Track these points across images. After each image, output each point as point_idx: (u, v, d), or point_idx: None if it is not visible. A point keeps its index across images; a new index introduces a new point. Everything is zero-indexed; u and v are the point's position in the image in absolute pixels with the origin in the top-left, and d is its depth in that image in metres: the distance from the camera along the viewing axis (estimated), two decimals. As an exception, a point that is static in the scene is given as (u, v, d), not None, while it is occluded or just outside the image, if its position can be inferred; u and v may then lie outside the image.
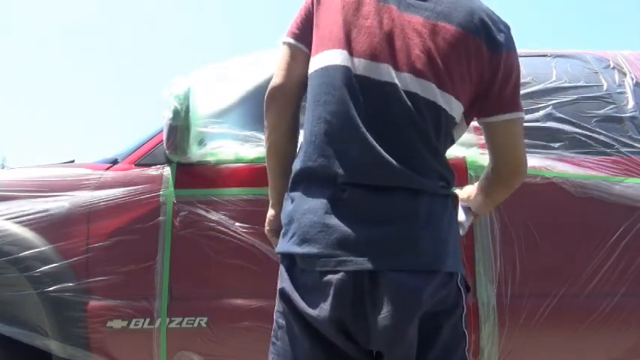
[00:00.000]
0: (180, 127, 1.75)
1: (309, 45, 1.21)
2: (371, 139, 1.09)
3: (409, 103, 1.09)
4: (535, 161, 1.80)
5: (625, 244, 1.75)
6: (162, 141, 1.81)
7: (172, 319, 1.71)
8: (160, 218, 1.76)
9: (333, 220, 1.08)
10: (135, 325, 1.71)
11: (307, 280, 1.10)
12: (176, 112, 1.75)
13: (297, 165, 1.17)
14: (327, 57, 1.15)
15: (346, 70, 1.12)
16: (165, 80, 1.85)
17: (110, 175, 1.83)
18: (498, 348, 1.72)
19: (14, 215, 1.75)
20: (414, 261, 1.06)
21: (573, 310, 1.73)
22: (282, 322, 1.14)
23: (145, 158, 1.87)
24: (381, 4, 1.15)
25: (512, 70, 1.19)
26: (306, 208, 1.11)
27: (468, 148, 1.83)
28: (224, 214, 1.74)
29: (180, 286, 1.75)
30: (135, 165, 1.86)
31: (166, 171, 1.82)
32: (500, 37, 1.16)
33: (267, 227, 1.33)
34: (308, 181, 1.14)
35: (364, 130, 1.09)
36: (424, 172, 1.10)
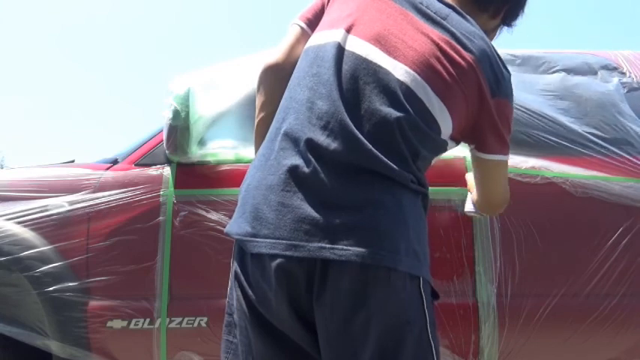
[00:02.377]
0: (180, 127, 1.76)
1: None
2: (349, 117, 1.04)
3: (403, 97, 1.07)
4: (535, 161, 1.81)
5: (625, 244, 1.75)
6: (162, 141, 1.82)
7: (172, 319, 1.71)
8: (160, 218, 1.76)
9: (291, 199, 1.01)
10: (135, 325, 1.71)
11: (258, 265, 1.04)
12: (176, 113, 1.75)
13: (271, 130, 1.12)
14: (329, 34, 1.15)
15: (343, 49, 1.11)
16: (168, 79, 1.85)
17: (110, 175, 1.83)
18: (498, 348, 1.72)
19: (14, 215, 1.75)
20: (371, 254, 0.98)
21: (573, 310, 1.73)
22: (235, 317, 1.10)
23: (144, 158, 1.87)
24: (397, 5, 1.16)
25: (506, 117, 1.19)
26: (262, 183, 1.05)
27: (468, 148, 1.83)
28: (224, 214, 1.74)
29: (180, 286, 1.75)
30: (135, 165, 1.86)
31: (166, 171, 1.82)
32: (501, 83, 1.16)
33: None
34: (274, 148, 1.07)
35: (345, 107, 1.05)
36: (398, 163, 1.05)
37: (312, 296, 1.01)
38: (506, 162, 1.25)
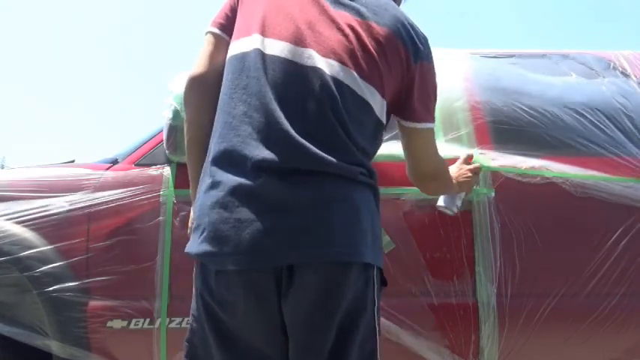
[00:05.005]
0: (180, 127, 1.75)
1: (232, 35, 1.20)
2: (287, 122, 1.05)
3: (334, 89, 1.08)
4: (535, 161, 1.81)
5: (625, 244, 1.75)
6: (162, 141, 1.82)
7: (172, 319, 1.71)
8: (160, 218, 1.76)
9: (245, 214, 1.03)
10: (135, 325, 1.71)
11: (222, 282, 1.06)
12: (176, 112, 1.75)
13: (211, 149, 1.12)
14: (247, 41, 1.14)
15: (265, 54, 1.11)
16: (168, 79, 1.84)
17: (110, 175, 1.83)
18: (498, 348, 1.72)
19: (14, 215, 1.75)
20: (331, 253, 1.03)
21: (573, 310, 1.73)
22: (197, 326, 1.12)
23: (145, 158, 1.87)
24: None
25: (429, 81, 1.22)
26: (215, 201, 1.06)
27: (468, 148, 1.84)
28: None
29: (180, 286, 1.74)
30: (135, 165, 1.86)
31: (166, 171, 1.82)
32: (421, 48, 1.18)
33: (189, 226, 1.26)
34: (222, 166, 1.08)
35: (281, 113, 1.06)
36: (343, 158, 1.06)
37: (278, 303, 1.05)
38: (433, 130, 1.27)
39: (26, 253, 1.71)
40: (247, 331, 1.08)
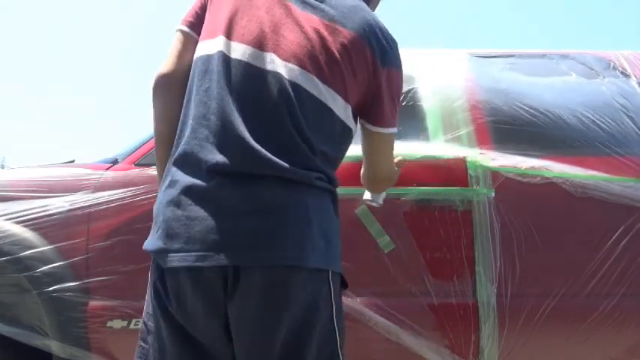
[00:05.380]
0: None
1: (200, 34, 1.21)
2: (243, 126, 1.06)
3: (292, 94, 1.08)
4: (535, 161, 1.81)
5: (625, 244, 1.75)
6: (162, 141, 1.81)
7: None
8: (160, 218, 1.76)
9: (197, 212, 1.05)
10: (135, 325, 1.71)
11: (173, 278, 1.08)
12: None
13: (174, 150, 1.14)
14: (212, 43, 1.15)
15: (228, 57, 1.11)
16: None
17: (110, 175, 1.83)
18: (498, 348, 1.72)
19: (14, 215, 1.75)
20: (278, 256, 1.03)
21: (573, 310, 1.73)
22: (151, 325, 1.13)
23: (145, 158, 1.87)
24: None
25: (396, 86, 1.21)
26: (170, 199, 1.09)
27: (468, 148, 1.84)
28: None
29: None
30: (135, 165, 1.86)
31: (166, 171, 1.82)
32: (389, 52, 1.18)
33: None
34: (180, 167, 1.10)
35: (238, 116, 1.07)
36: (298, 164, 1.07)
37: (224, 302, 1.05)
38: (394, 135, 1.28)
39: (26, 253, 1.71)
40: (199, 331, 1.09)
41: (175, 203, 1.07)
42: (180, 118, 1.15)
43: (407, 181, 1.76)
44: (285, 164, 1.05)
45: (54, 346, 1.72)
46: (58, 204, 1.77)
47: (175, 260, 1.05)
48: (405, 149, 1.81)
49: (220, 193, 1.05)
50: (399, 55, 1.21)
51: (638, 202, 1.78)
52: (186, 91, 1.16)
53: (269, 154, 1.05)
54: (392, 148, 1.31)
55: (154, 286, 1.13)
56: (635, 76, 2.08)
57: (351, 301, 1.68)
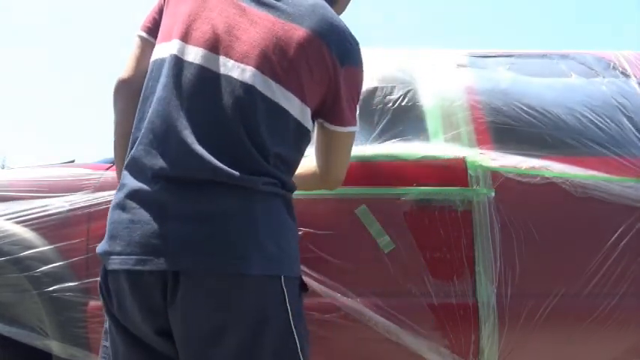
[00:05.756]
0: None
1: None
2: (188, 130, 1.05)
3: (244, 96, 1.07)
4: (535, 161, 1.81)
5: (625, 244, 1.74)
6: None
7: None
8: (160, 218, 1.75)
9: (140, 216, 1.05)
10: (135, 325, 1.71)
11: (114, 281, 1.08)
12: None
13: (127, 153, 1.15)
14: (166, 47, 1.14)
15: (180, 60, 1.11)
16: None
17: (110, 175, 1.83)
18: (498, 348, 1.72)
19: (14, 215, 1.75)
20: (217, 262, 1.02)
21: (573, 310, 1.73)
22: (105, 324, 1.15)
23: (145, 158, 1.87)
24: (235, 0, 1.15)
25: (356, 85, 1.20)
26: (117, 203, 1.10)
27: (468, 148, 1.84)
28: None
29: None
30: (135, 165, 1.86)
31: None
32: (349, 51, 1.16)
33: None
34: (130, 171, 1.11)
35: (184, 121, 1.06)
36: (245, 168, 1.05)
37: (164, 308, 1.05)
38: (354, 133, 1.27)
39: (26, 253, 1.71)
40: (141, 333, 1.08)
41: (121, 206, 1.08)
42: (134, 123, 1.15)
43: (407, 181, 1.76)
44: (230, 169, 1.04)
45: (54, 346, 1.72)
46: (58, 204, 1.77)
47: (116, 263, 1.06)
48: (405, 149, 1.81)
49: (163, 198, 1.05)
50: (359, 54, 1.20)
51: (638, 202, 1.78)
52: (140, 96, 1.17)
53: (213, 159, 1.03)
54: (349, 149, 1.29)
55: (99, 287, 1.14)
56: (635, 76, 2.08)
57: (351, 301, 1.68)
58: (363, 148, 1.80)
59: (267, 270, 1.06)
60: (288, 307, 1.08)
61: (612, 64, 2.14)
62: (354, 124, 1.25)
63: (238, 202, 1.05)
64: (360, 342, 1.70)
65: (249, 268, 1.03)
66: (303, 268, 1.67)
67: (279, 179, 1.11)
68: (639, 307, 1.75)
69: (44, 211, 1.76)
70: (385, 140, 1.85)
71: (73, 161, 2.14)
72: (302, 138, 1.17)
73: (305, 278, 1.65)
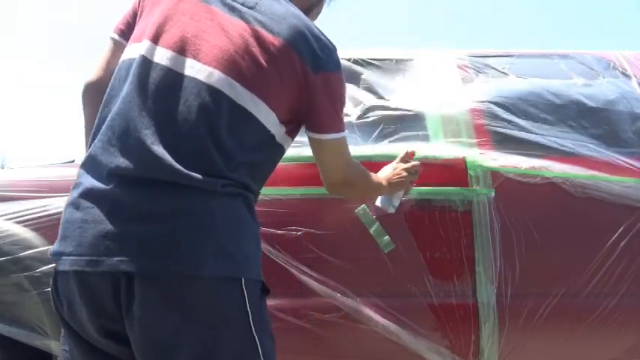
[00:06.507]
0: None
1: None
2: (149, 130, 1.04)
3: (208, 99, 1.06)
4: (535, 161, 1.81)
5: (625, 244, 1.75)
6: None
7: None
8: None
9: (93, 215, 1.02)
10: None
11: (64, 282, 1.06)
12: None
13: (86, 148, 1.13)
14: (136, 47, 1.14)
15: (148, 61, 1.10)
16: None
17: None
18: (498, 348, 1.72)
19: (14, 215, 1.75)
20: (171, 264, 0.99)
21: (573, 310, 1.74)
22: (61, 328, 1.12)
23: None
24: (202, 4, 1.15)
25: (334, 91, 1.18)
26: (70, 202, 1.07)
27: (468, 148, 1.84)
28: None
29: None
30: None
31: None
32: (322, 58, 1.15)
33: None
34: (86, 169, 1.09)
35: (147, 120, 1.05)
36: (204, 170, 1.03)
37: (120, 309, 1.01)
38: (344, 138, 1.24)
39: (26, 253, 1.71)
40: (87, 335, 1.06)
41: (75, 205, 1.05)
42: (95, 123, 1.13)
43: (407, 181, 1.76)
44: (189, 171, 1.02)
45: (54, 346, 1.72)
46: (58, 204, 1.76)
47: (67, 264, 1.03)
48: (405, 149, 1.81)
49: (117, 198, 1.02)
50: (335, 59, 1.19)
51: (638, 202, 1.78)
52: (104, 97, 1.14)
53: (172, 160, 1.01)
54: (342, 154, 1.27)
55: (51, 290, 1.11)
56: (635, 76, 2.08)
57: (351, 301, 1.68)
58: (363, 148, 1.80)
59: (226, 272, 1.03)
60: (249, 311, 1.04)
61: (612, 64, 2.14)
62: (337, 131, 1.22)
63: (194, 203, 1.02)
64: (360, 342, 1.70)
65: (205, 270, 1.00)
66: (303, 268, 1.68)
67: (241, 182, 1.09)
68: (639, 307, 1.75)
69: (44, 211, 1.75)
70: (384, 141, 1.86)
71: (73, 161, 2.13)
72: (267, 143, 1.15)
73: (305, 278, 1.67)
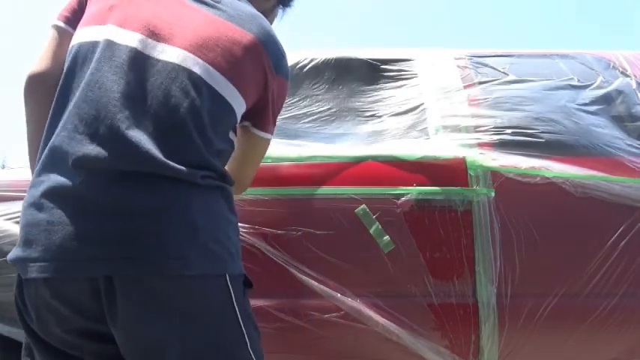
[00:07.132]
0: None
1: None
2: (121, 115, 0.96)
3: (189, 84, 1.02)
4: (535, 161, 1.81)
5: (625, 244, 1.75)
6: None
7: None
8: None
9: (60, 216, 0.93)
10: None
11: (31, 289, 0.98)
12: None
13: (41, 146, 1.03)
14: (99, 30, 1.06)
15: (117, 45, 1.03)
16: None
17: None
18: (498, 348, 1.72)
19: (14, 215, 1.75)
20: (152, 264, 0.93)
21: (573, 310, 1.73)
22: (25, 339, 1.07)
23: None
24: None
25: (283, 95, 1.23)
26: (31, 202, 0.98)
27: (468, 148, 1.84)
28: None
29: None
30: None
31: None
32: (282, 62, 1.19)
33: None
34: (46, 165, 0.99)
35: (119, 106, 0.97)
36: (185, 160, 0.97)
37: (101, 309, 0.95)
38: (269, 142, 1.30)
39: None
40: (59, 342, 1.01)
41: (36, 206, 0.96)
42: (48, 119, 1.04)
43: (407, 181, 1.76)
44: (167, 160, 0.95)
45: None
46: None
47: (34, 271, 0.94)
48: (405, 149, 1.81)
49: (87, 194, 0.94)
50: (288, 68, 1.23)
51: (638, 202, 1.78)
52: (60, 84, 1.06)
53: (149, 145, 0.94)
54: (263, 156, 1.32)
55: (15, 299, 1.04)
56: (635, 77, 2.08)
57: (351, 301, 1.68)
58: (362, 148, 1.80)
59: (211, 269, 0.99)
60: (236, 306, 1.02)
61: (612, 64, 2.14)
62: (272, 133, 1.28)
63: (173, 196, 0.96)
64: (360, 342, 1.70)
65: (190, 269, 0.96)
66: (303, 268, 1.68)
67: (219, 172, 1.05)
68: (639, 307, 1.75)
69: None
70: (384, 141, 1.86)
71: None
72: (230, 135, 1.14)
73: (305, 278, 1.67)
